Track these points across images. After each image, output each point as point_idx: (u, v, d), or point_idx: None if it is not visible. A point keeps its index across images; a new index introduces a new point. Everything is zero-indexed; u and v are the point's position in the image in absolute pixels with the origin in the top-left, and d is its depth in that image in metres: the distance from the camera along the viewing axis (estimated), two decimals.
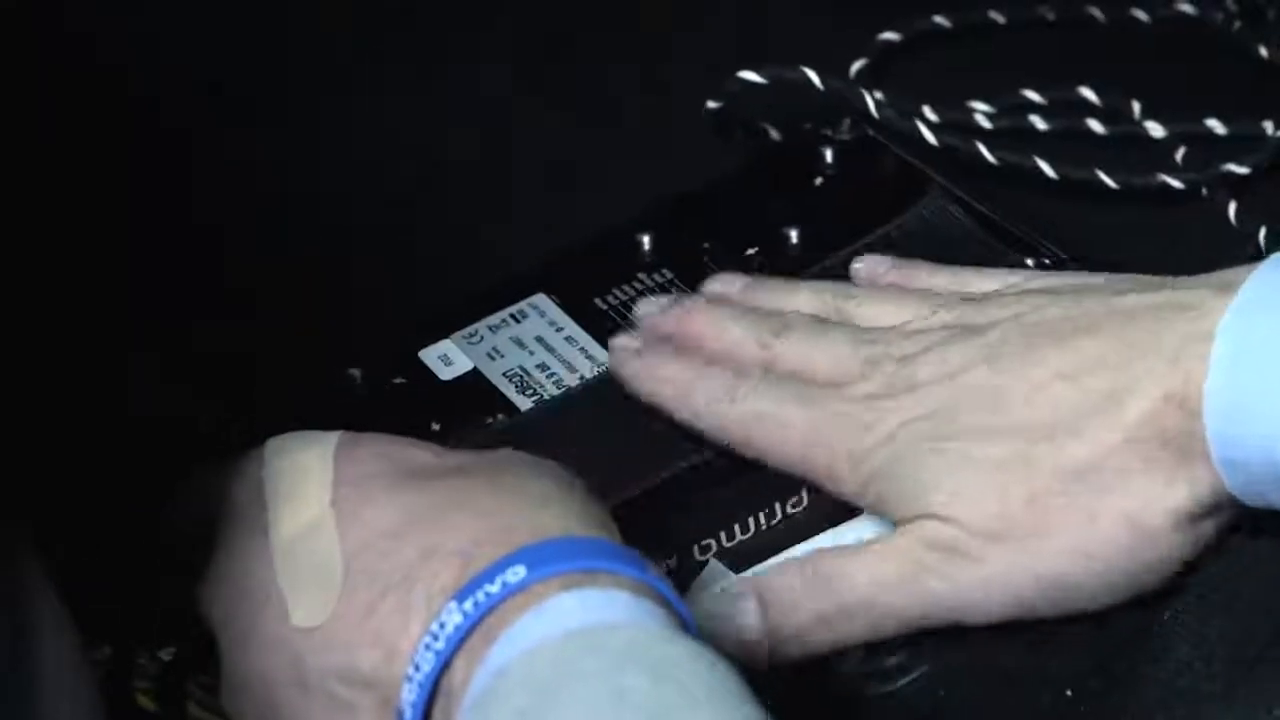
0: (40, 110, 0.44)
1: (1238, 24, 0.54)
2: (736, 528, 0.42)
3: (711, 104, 0.51)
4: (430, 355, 0.46)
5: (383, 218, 0.50)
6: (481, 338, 0.46)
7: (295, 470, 0.34)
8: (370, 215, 0.50)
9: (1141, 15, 0.53)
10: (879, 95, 0.50)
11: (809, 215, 0.50)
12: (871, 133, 0.52)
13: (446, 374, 0.45)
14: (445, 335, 0.46)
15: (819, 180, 0.51)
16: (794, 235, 0.48)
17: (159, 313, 0.45)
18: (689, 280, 0.47)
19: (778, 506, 0.42)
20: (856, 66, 0.52)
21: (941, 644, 0.42)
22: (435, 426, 0.42)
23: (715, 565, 0.41)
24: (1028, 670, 0.40)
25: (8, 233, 0.42)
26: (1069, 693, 0.39)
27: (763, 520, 0.42)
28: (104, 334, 0.44)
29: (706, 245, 0.48)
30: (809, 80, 0.50)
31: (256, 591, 0.32)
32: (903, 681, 0.41)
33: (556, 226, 0.49)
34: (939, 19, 0.53)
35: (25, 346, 0.39)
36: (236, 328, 0.46)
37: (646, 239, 0.48)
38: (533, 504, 0.32)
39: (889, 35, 0.53)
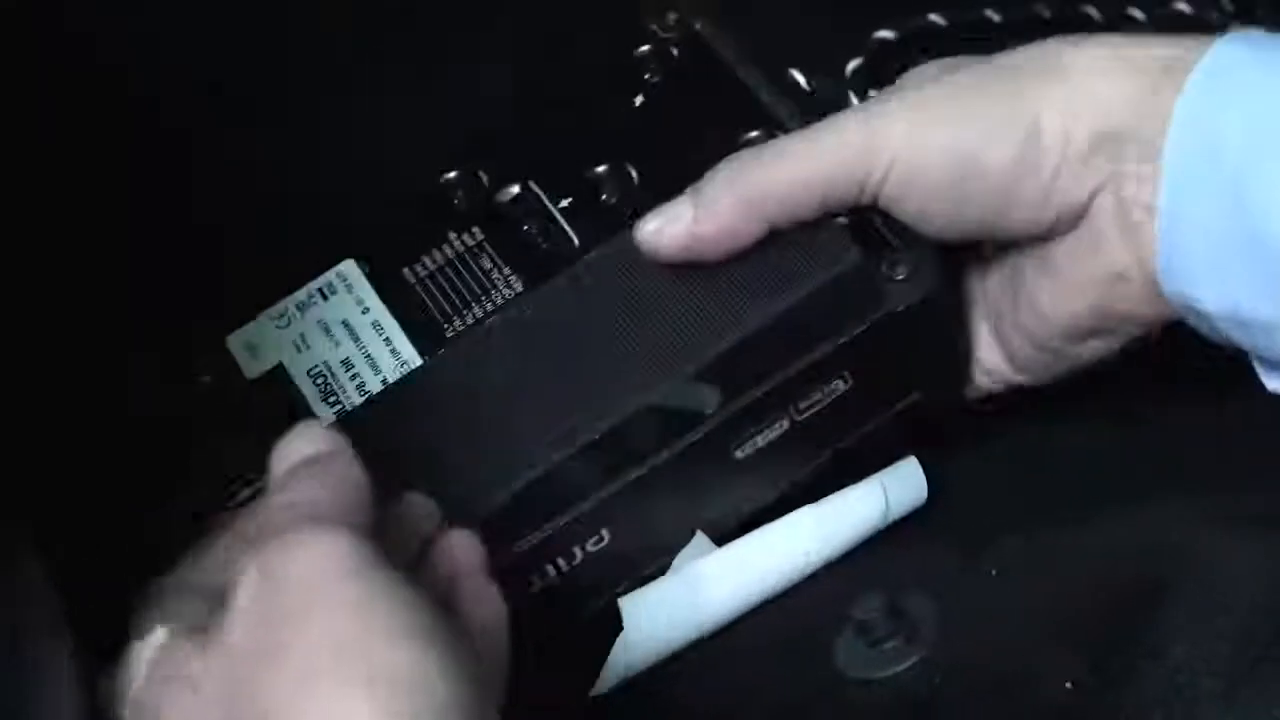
0: (40, 110, 0.44)
1: (1235, 22, 0.54)
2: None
3: None
4: (237, 343, 0.43)
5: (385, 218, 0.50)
6: (289, 321, 0.43)
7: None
8: (371, 216, 0.50)
9: (1138, 14, 0.53)
10: (873, 94, 0.48)
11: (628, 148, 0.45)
12: (699, 27, 0.46)
13: (253, 369, 0.43)
14: (254, 314, 0.43)
15: (639, 100, 0.46)
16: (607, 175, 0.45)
17: (159, 313, 0.45)
18: (498, 238, 0.43)
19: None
20: (852, 65, 0.52)
21: (938, 632, 0.41)
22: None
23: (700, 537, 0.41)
24: (1024, 663, 0.40)
25: (7, 233, 0.42)
26: (1068, 685, 0.39)
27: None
28: (104, 334, 0.44)
29: (517, 193, 0.44)
30: (796, 82, 0.49)
31: None
32: (899, 668, 0.41)
33: None
34: (935, 17, 0.52)
35: (25, 347, 0.39)
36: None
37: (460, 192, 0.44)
38: None
39: (884, 33, 0.53)
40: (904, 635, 0.40)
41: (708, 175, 0.41)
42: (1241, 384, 0.40)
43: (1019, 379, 0.43)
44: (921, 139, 0.39)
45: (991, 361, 0.43)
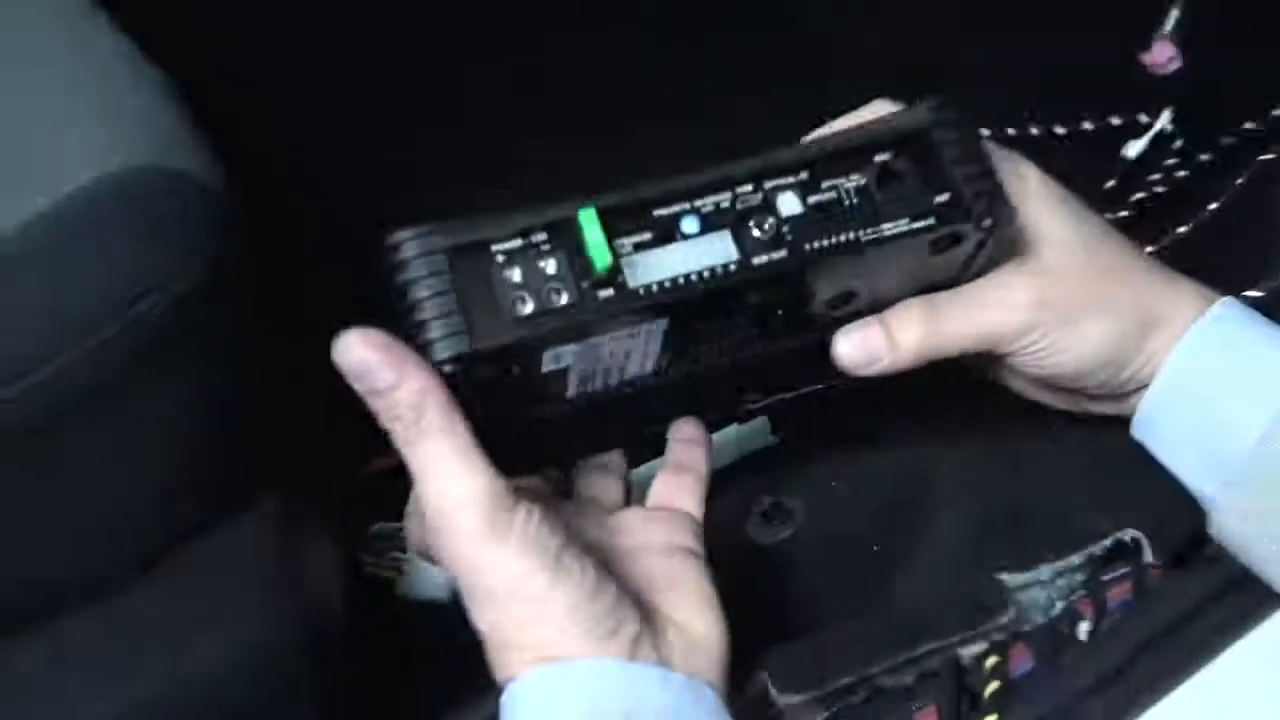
0: None
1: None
2: None
3: None
4: None
5: None
6: None
7: None
8: None
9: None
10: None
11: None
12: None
13: None
14: None
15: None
16: None
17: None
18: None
19: None
20: None
21: (805, 517, 0.63)
22: None
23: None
24: (852, 534, 0.61)
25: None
26: (875, 548, 0.60)
27: None
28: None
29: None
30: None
31: None
32: (781, 538, 0.62)
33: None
34: None
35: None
36: None
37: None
38: None
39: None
40: (783, 518, 0.64)
41: (899, 317, 0.50)
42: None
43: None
44: (1076, 328, 0.50)
45: None
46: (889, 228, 0.47)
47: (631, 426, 0.55)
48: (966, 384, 0.58)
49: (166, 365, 0.42)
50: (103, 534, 0.44)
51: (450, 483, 0.43)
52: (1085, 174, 0.66)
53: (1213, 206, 0.82)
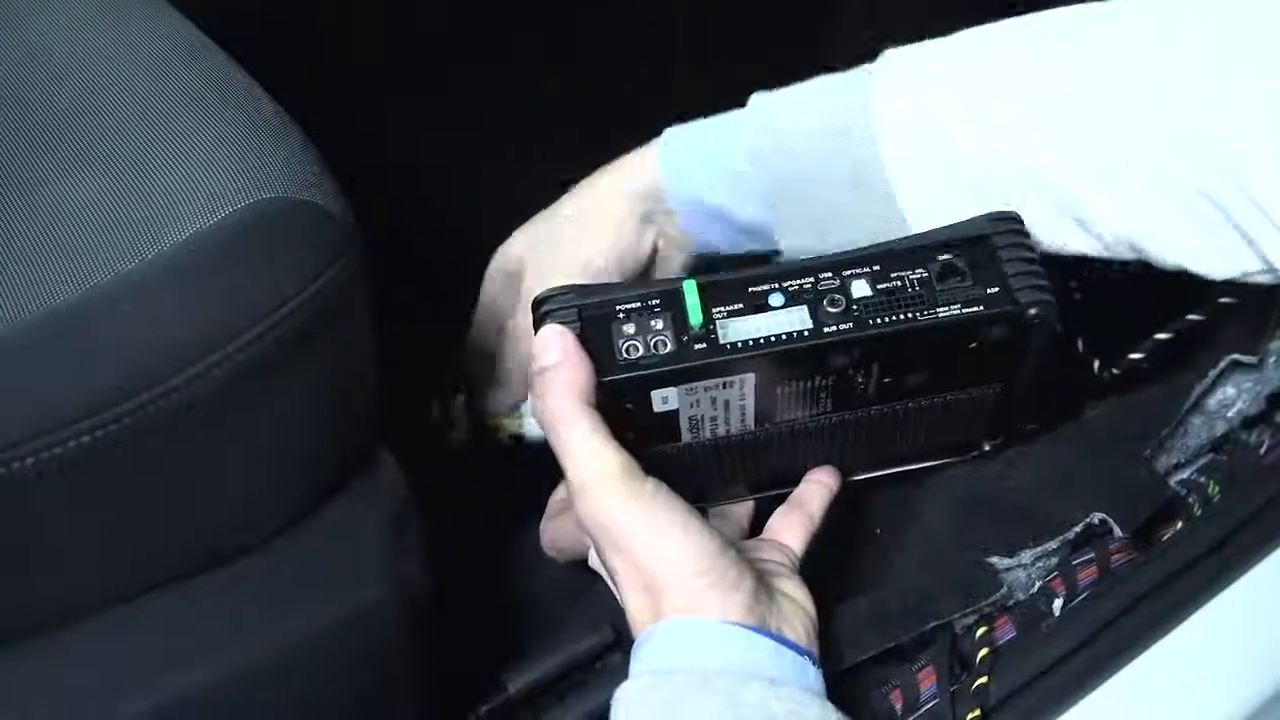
0: None
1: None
2: None
3: None
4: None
5: None
6: None
7: None
8: None
9: None
10: None
11: None
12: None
13: None
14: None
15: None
16: None
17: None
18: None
19: None
20: None
21: None
22: None
23: None
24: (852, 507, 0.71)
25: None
26: (877, 530, 0.71)
27: None
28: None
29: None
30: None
31: None
32: None
33: None
34: None
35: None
36: None
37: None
38: None
39: None
40: None
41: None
42: None
43: None
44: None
45: None
46: (944, 312, 0.53)
47: (742, 480, 0.61)
48: None
49: (304, 359, 0.49)
50: (253, 500, 0.51)
51: (593, 456, 0.51)
52: None
53: None
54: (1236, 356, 0.66)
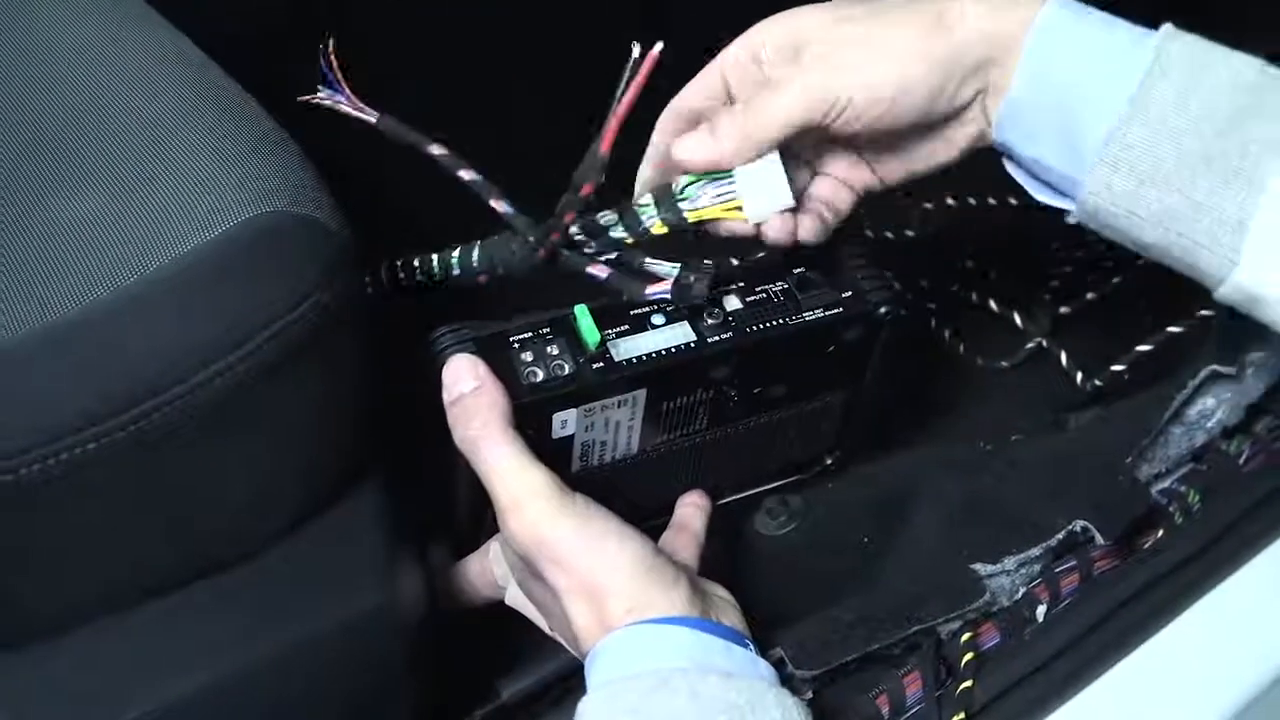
0: None
1: None
2: None
3: None
4: None
5: None
6: None
7: None
8: None
9: None
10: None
11: None
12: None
13: None
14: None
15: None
16: None
17: None
18: None
19: None
20: None
21: (803, 515, 0.71)
22: None
23: None
24: (842, 531, 0.71)
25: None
26: (865, 539, 0.71)
27: None
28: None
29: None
30: None
31: None
32: (785, 531, 0.72)
33: None
34: None
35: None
36: None
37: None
38: None
39: None
40: (787, 515, 0.73)
41: (718, 118, 0.54)
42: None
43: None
44: (871, 76, 0.52)
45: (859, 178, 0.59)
46: (809, 315, 0.59)
47: (620, 509, 0.60)
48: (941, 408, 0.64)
49: (302, 369, 0.49)
50: (251, 507, 0.51)
51: (518, 477, 0.52)
52: None
53: None
54: (1216, 367, 0.67)
